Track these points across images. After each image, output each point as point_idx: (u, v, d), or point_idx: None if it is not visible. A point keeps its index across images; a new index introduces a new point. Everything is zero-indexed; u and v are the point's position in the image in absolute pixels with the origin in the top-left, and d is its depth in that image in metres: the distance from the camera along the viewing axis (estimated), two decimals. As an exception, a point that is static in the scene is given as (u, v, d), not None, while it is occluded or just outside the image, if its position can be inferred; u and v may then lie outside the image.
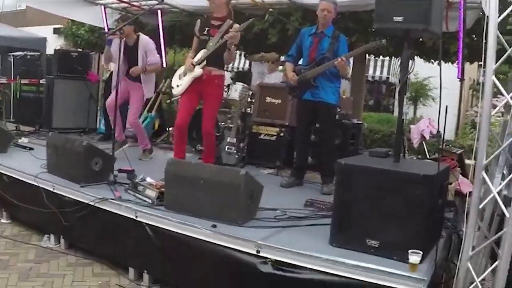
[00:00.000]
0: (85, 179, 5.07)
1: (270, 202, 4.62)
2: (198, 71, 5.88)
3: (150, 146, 7.38)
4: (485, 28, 3.31)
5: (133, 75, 6.75)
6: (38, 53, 12.67)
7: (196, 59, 5.90)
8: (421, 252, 3.24)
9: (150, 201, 4.56)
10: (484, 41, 3.30)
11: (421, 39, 7.92)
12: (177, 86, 6.07)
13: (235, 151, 6.98)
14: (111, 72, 8.44)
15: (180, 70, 6.15)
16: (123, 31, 6.12)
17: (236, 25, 5.69)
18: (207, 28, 5.95)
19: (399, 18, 3.79)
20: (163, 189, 4.54)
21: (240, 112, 7.32)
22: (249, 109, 7.84)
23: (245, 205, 4.12)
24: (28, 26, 21.38)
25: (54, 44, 15.90)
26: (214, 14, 5.97)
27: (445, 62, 8.18)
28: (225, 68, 6.16)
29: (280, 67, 8.78)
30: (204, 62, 5.85)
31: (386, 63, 17.14)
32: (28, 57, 12.50)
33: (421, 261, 3.25)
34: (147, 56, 6.86)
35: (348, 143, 7.17)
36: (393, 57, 11.85)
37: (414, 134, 7.54)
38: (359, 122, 8.01)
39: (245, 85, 7.64)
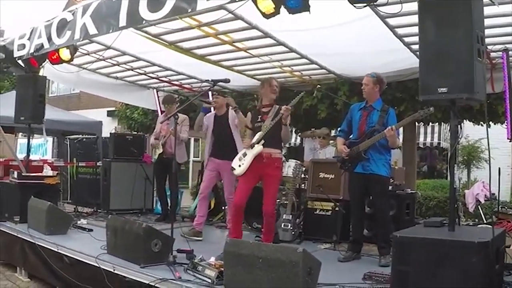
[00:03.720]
0: (145, 260, 5.15)
1: (328, 278, 4.59)
2: (258, 148, 5.98)
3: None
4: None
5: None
6: (95, 137, 13.11)
7: (254, 140, 6.06)
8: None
9: (210, 280, 4.59)
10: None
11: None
12: (239, 166, 6.09)
13: (291, 228, 7.01)
14: (160, 153, 8.71)
15: (239, 153, 6.26)
16: (216, 102, 7.09)
17: (284, 107, 5.89)
18: (259, 116, 6.18)
19: (444, 89, 3.90)
20: (222, 269, 4.58)
21: (294, 189, 7.38)
22: (303, 185, 7.97)
23: (303, 282, 4.10)
24: (82, 109, 22.20)
25: (108, 126, 16.37)
26: (263, 102, 6.27)
27: (494, 123, 8.14)
28: (282, 149, 6.26)
29: (331, 141, 8.87)
30: (262, 141, 5.98)
31: (436, 129, 17.02)
32: (85, 140, 12.93)
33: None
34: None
35: (403, 213, 7.11)
36: (442, 122, 11.82)
37: (469, 199, 7.44)
38: (413, 191, 7.97)
39: (298, 161, 7.73)
